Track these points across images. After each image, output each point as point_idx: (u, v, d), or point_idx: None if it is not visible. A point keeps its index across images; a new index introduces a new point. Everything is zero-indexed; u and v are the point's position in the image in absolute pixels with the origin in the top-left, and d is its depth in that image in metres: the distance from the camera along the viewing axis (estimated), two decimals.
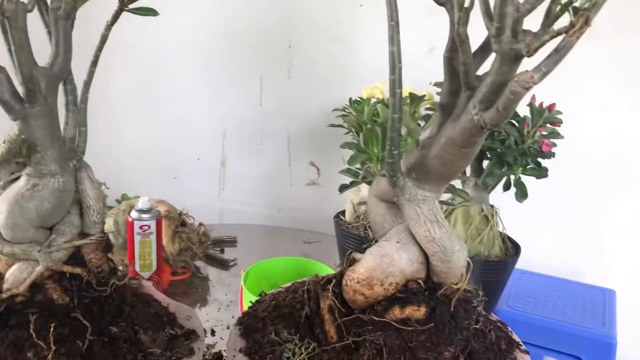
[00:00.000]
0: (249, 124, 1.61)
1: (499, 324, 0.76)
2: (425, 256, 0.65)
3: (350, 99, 1.23)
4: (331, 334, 0.65)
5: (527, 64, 0.50)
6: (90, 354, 0.62)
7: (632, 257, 1.41)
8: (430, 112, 1.14)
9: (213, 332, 0.95)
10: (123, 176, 1.47)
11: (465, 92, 0.57)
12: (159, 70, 1.56)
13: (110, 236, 1.10)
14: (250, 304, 0.81)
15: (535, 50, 0.48)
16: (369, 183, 1.07)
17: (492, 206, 1.12)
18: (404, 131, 0.88)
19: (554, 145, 1.04)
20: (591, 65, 1.25)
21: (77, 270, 0.66)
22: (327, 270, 1.01)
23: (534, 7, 0.49)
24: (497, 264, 1.10)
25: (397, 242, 0.65)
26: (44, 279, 0.65)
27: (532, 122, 1.04)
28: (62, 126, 0.66)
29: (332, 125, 1.24)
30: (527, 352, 0.72)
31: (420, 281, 0.65)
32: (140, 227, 1.02)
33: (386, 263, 0.63)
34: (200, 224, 1.28)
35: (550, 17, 0.48)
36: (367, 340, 0.63)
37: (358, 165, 1.05)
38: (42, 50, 0.62)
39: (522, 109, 1.01)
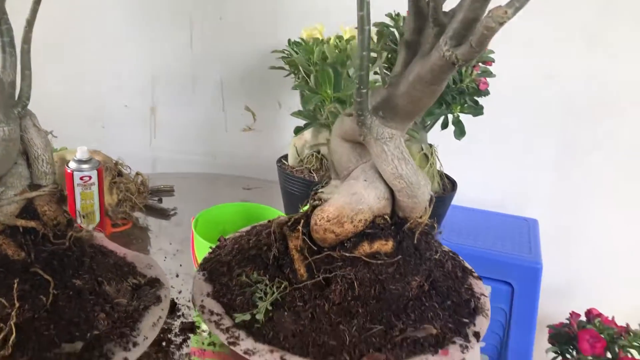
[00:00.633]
0: (180, 69, 1.54)
1: (451, 254, 0.81)
2: (391, 192, 0.67)
3: (290, 40, 1.21)
4: (301, 272, 0.67)
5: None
6: (55, 308, 0.60)
7: (550, 189, 1.52)
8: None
9: None
10: (46, 125, 1.36)
11: (433, 28, 0.58)
12: (81, 14, 1.45)
13: None
14: (211, 249, 0.80)
15: None
16: (329, 126, 1.07)
17: (430, 145, 1.16)
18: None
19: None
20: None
21: (32, 223, 0.63)
22: (278, 213, 1.01)
23: None
24: (436, 200, 1.14)
25: (365, 180, 0.66)
26: None
27: None
28: None
29: (273, 68, 1.21)
30: (480, 278, 0.77)
31: (386, 217, 0.67)
32: (81, 178, 0.97)
33: (355, 201, 0.65)
34: (138, 174, 1.23)
35: None
36: (338, 275, 0.65)
37: (310, 108, 1.04)
38: None
39: None
